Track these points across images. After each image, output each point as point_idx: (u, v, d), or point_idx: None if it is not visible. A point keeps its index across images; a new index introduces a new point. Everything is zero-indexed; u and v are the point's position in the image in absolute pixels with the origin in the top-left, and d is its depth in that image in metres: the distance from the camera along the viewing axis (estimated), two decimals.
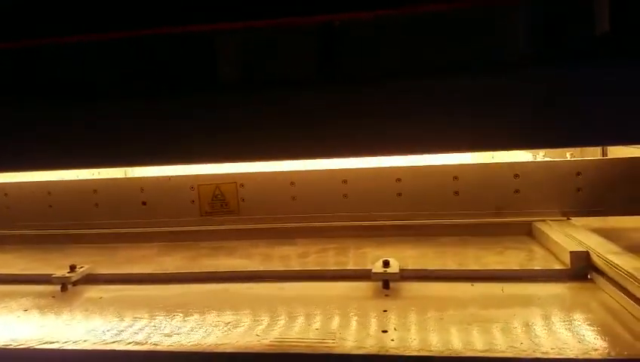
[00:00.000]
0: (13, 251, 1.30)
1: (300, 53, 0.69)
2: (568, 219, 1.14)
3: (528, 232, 1.15)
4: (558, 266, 0.92)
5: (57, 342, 0.74)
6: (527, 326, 0.71)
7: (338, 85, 0.66)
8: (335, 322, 0.76)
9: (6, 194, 1.41)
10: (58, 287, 0.99)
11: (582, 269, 0.88)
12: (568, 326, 0.70)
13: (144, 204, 1.37)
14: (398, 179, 1.24)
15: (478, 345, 0.66)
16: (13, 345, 0.74)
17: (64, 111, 0.72)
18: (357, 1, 0.62)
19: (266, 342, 0.70)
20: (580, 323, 0.72)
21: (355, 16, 0.64)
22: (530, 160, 1.24)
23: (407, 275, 0.91)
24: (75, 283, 1.01)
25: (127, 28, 0.66)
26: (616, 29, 0.60)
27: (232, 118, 0.69)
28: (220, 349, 0.69)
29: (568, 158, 1.19)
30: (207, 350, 0.70)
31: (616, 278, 0.78)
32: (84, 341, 0.74)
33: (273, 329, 0.74)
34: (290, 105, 0.67)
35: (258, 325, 0.76)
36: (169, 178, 1.35)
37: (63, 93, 0.73)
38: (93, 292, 0.98)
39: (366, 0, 0.62)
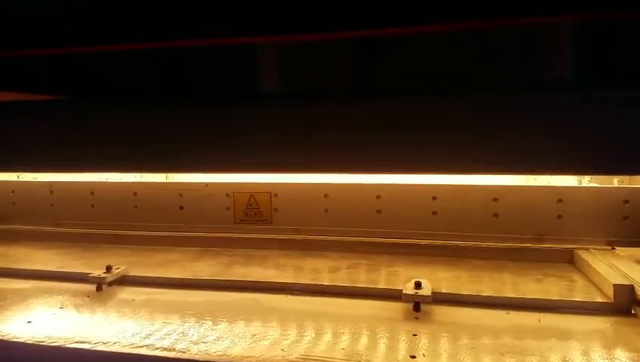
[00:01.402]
0: (54, 248, 1.35)
1: (340, 67, 0.68)
2: (613, 248, 1.09)
3: (570, 260, 1.11)
4: (600, 299, 0.88)
5: (88, 342, 0.75)
6: (565, 361, 0.67)
7: (376, 100, 0.65)
8: (362, 342, 0.74)
9: (51, 192, 1.47)
10: (94, 287, 1.01)
11: (626, 304, 0.84)
12: None
13: (181, 208, 1.39)
14: (434, 197, 1.21)
15: None
16: (47, 342, 0.76)
17: (108, 116, 0.74)
18: (398, 17, 0.61)
19: (291, 357, 0.69)
20: (620, 361, 0.68)
21: (397, 32, 0.63)
22: (575, 184, 1.20)
23: (439, 298, 0.89)
24: (110, 284, 1.03)
25: (168, 38, 0.68)
26: None
27: (269, 129, 0.69)
28: (245, 361, 0.69)
29: (615, 185, 1.13)
30: (233, 361, 0.69)
31: None
32: (114, 343, 0.75)
33: (299, 345, 0.73)
34: (327, 119, 0.67)
35: (284, 339, 0.75)
36: (206, 185, 1.37)
37: (108, 99, 0.75)
38: (127, 293, 1.00)
39: (406, 15, 0.61)
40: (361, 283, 1.01)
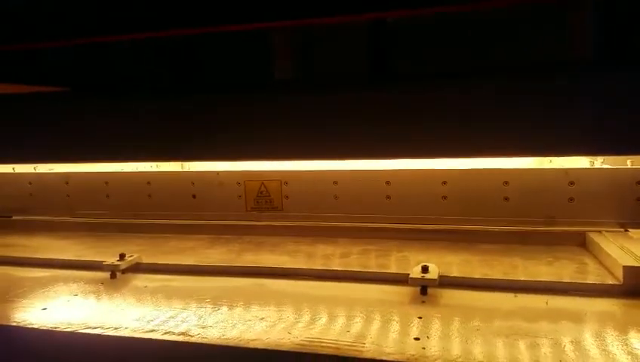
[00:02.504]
0: (70, 237, 1.38)
1: (350, 55, 0.68)
2: (626, 230, 1.07)
3: (581, 243, 1.09)
4: (610, 281, 0.87)
5: (101, 327, 0.77)
6: (569, 343, 0.67)
7: (387, 87, 0.65)
8: (367, 325, 0.75)
9: (67, 183, 1.50)
10: (108, 274, 1.04)
11: (636, 286, 0.83)
12: (611, 346, 0.66)
13: (194, 197, 1.41)
14: (444, 182, 1.21)
15: (510, 359, 0.63)
16: (61, 327, 0.78)
17: (121, 107, 0.75)
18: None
19: (297, 340, 0.70)
20: (628, 342, 0.67)
21: (406, 15, 0.63)
22: (586, 166, 1.18)
23: (446, 282, 0.89)
24: (124, 271, 1.05)
25: (184, 26, 0.68)
26: None
27: (279, 117, 0.69)
28: (251, 345, 0.70)
29: (628, 166, 1.11)
30: (240, 344, 0.71)
31: None
32: (125, 328, 0.77)
33: (306, 329, 0.74)
34: (337, 106, 0.67)
35: (292, 323, 0.77)
36: (217, 173, 1.39)
37: (121, 91, 0.76)
38: (140, 280, 1.02)
39: None
40: (370, 268, 1.02)
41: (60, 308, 0.88)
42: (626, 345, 0.67)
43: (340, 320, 0.77)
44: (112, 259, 1.06)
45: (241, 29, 0.67)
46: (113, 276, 1.04)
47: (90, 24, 0.70)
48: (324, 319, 0.78)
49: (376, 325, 0.75)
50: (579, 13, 0.63)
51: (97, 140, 0.77)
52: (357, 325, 0.75)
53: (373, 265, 1.05)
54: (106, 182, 1.47)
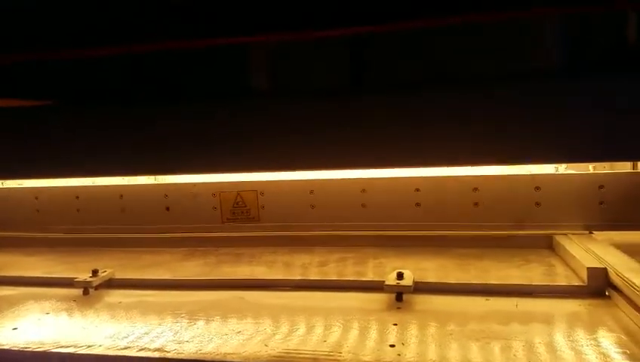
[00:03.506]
0: (40, 254, 1.35)
1: (323, 65, 0.69)
2: (590, 233, 1.12)
3: (549, 246, 1.13)
4: (575, 282, 0.90)
5: (74, 346, 0.76)
6: (539, 344, 0.69)
7: (359, 97, 0.66)
8: (344, 334, 0.76)
9: (36, 198, 1.47)
10: (80, 291, 1.02)
11: (599, 286, 0.86)
12: (577, 345, 0.68)
13: (168, 209, 1.40)
14: (417, 189, 1.23)
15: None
16: (32, 347, 0.76)
17: (92, 120, 0.74)
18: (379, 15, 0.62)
19: (274, 353, 0.71)
20: (591, 342, 0.70)
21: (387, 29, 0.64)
22: (551, 172, 1.22)
23: (421, 288, 0.91)
24: (97, 288, 1.04)
25: (152, 40, 0.68)
26: None
27: (253, 128, 0.69)
28: (228, 359, 0.70)
29: (591, 171, 1.16)
30: (216, 359, 0.71)
31: (633, 297, 0.76)
32: (99, 346, 0.76)
33: (282, 340, 0.75)
34: (311, 116, 0.67)
35: (270, 335, 0.77)
36: (193, 185, 1.38)
37: (91, 103, 0.75)
38: (114, 296, 1.01)
39: (386, 13, 0.62)
40: (346, 277, 1.03)
41: (30, 327, 0.86)
42: (591, 343, 0.69)
43: (317, 330, 0.78)
44: (84, 275, 1.04)
45: (223, 43, 0.67)
46: (86, 292, 1.02)
47: (66, 37, 0.69)
48: (301, 330, 0.78)
49: (352, 333, 0.76)
50: (539, 24, 0.65)
51: (67, 154, 0.76)
52: (334, 334, 0.76)
53: (349, 273, 1.06)
54: (77, 197, 1.45)
